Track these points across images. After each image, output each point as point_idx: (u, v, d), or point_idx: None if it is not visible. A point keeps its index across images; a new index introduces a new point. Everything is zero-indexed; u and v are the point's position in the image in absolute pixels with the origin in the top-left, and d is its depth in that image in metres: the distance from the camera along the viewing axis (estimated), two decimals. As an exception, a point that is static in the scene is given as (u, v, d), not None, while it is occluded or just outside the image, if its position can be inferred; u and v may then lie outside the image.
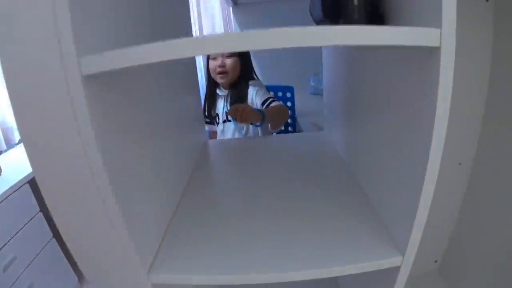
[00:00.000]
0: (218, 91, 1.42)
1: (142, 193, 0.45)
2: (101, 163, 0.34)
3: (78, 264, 0.44)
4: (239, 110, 1.08)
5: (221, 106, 1.41)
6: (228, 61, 1.32)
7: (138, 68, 0.31)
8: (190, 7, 2.25)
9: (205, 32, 2.34)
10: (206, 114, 1.44)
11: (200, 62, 2.20)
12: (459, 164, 0.88)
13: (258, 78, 1.48)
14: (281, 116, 1.32)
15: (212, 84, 1.43)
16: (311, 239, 0.49)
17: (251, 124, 1.31)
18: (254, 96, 1.35)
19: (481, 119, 0.84)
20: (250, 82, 1.40)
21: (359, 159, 0.66)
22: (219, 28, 2.30)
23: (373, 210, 0.55)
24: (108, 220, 0.38)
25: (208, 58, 1.40)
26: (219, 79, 1.36)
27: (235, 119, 1.16)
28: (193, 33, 2.27)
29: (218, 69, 1.33)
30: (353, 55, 0.64)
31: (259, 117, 1.14)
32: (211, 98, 1.44)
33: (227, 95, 1.39)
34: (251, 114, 1.11)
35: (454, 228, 0.95)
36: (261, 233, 0.51)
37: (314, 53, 1.05)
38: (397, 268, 0.45)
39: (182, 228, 0.55)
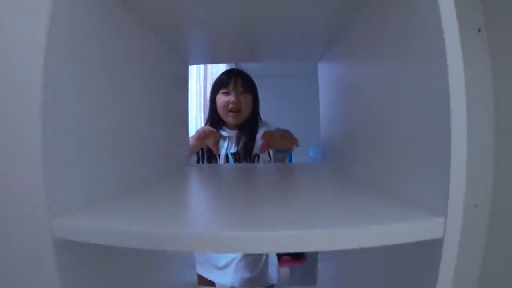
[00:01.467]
0: (222, 132, 1.25)
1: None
2: None
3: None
4: (276, 135, 0.96)
5: (224, 148, 1.25)
6: (243, 98, 1.19)
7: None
8: (197, 77, 2.36)
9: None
10: (204, 154, 1.24)
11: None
12: (475, 206, 0.83)
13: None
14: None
15: (215, 123, 1.25)
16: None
17: (279, 151, 1.09)
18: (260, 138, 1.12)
19: (492, 158, 0.83)
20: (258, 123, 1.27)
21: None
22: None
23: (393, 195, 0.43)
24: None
25: (215, 92, 1.25)
26: (230, 117, 1.20)
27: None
28: (197, 102, 2.37)
29: (231, 106, 1.18)
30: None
31: (294, 140, 1.00)
32: None
33: (236, 136, 1.24)
34: (288, 137, 0.98)
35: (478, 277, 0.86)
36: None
37: (314, 123, 1.04)
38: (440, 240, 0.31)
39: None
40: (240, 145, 1.21)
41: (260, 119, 1.33)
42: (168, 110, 0.75)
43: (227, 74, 1.25)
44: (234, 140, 1.24)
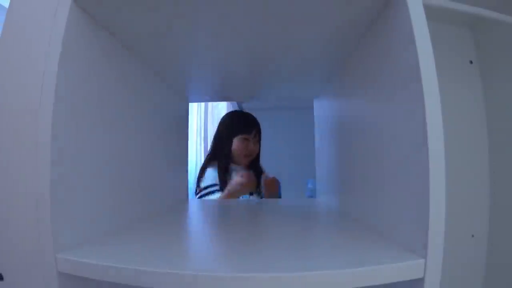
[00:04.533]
0: (237, 167, 1.42)
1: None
2: None
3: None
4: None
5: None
6: (256, 148, 1.44)
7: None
8: (197, 110, 2.42)
9: (209, 136, 2.47)
10: (218, 182, 1.38)
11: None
12: (472, 236, 0.84)
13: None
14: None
15: (225, 159, 1.42)
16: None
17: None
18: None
19: (488, 188, 0.84)
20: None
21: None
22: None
23: (380, 235, 0.46)
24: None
25: (233, 134, 1.41)
26: (245, 160, 1.42)
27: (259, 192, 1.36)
28: (198, 139, 2.41)
29: (249, 152, 1.40)
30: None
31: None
32: (227, 171, 1.41)
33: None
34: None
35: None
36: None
37: (313, 155, 1.09)
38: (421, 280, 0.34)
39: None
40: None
41: None
42: (168, 147, 0.78)
43: (247, 122, 1.46)
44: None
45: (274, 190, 1.37)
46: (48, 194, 0.34)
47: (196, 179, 1.44)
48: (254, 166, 1.47)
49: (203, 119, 2.47)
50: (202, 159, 2.46)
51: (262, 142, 1.54)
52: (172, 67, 0.65)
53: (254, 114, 2.51)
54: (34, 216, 0.35)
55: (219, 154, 1.43)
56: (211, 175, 1.38)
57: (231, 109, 2.48)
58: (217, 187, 1.34)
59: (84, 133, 0.41)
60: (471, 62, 0.90)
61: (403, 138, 0.38)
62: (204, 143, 2.47)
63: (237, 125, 1.44)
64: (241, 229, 0.53)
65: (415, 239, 0.35)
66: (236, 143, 1.40)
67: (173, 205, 0.79)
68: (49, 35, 0.36)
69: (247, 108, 2.43)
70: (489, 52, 0.87)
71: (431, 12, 0.64)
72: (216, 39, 0.52)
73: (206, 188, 1.33)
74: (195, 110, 2.45)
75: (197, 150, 2.47)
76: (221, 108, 2.47)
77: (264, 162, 2.30)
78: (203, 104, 2.50)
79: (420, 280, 0.32)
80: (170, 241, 0.45)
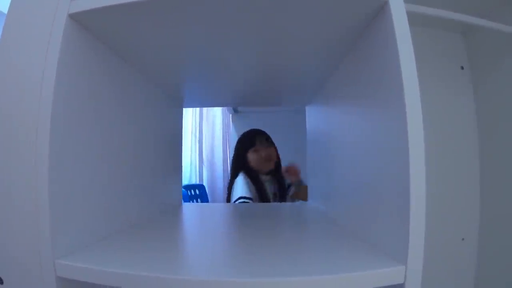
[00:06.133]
0: (263, 176, 1.57)
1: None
2: None
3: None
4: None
5: (270, 188, 1.58)
6: (271, 151, 1.58)
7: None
8: (193, 111, 2.42)
9: (204, 137, 2.47)
10: (249, 195, 1.51)
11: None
12: (463, 239, 0.86)
13: None
14: None
15: (252, 173, 1.56)
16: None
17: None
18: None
19: (478, 191, 0.86)
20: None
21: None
22: (219, 133, 2.44)
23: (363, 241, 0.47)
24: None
25: (244, 151, 1.58)
26: (266, 164, 1.55)
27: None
28: (193, 138, 2.42)
29: (265, 157, 1.54)
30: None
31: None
32: (259, 181, 1.56)
33: (271, 180, 1.59)
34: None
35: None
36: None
37: (305, 159, 1.13)
38: (402, 285, 0.35)
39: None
40: (276, 187, 1.60)
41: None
42: (163, 153, 0.78)
43: (250, 137, 1.62)
44: (271, 183, 1.60)
45: (296, 175, 1.57)
46: (47, 200, 0.35)
47: (227, 188, 1.63)
48: (277, 172, 1.61)
49: (198, 120, 2.47)
50: (196, 160, 2.47)
51: None
52: (168, 75, 0.65)
53: (248, 116, 2.53)
54: (33, 222, 0.36)
55: (241, 167, 1.59)
56: (240, 185, 1.53)
57: (225, 112, 2.48)
58: (248, 200, 1.46)
59: (81, 139, 0.42)
60: (462, 67, 0.91)
61: (385, 146, 0.40)
62: (198, 143, 2.48)
63: (244, 143, 1.62)
64: (235, 233, 0.54)
65: (396, 246, 0.36)
66: (250, 157, 1.57)
67: (168, 209, 0.80)
68: (46, 45, 0.37)
69: (242, 111, 2.43)
70: (480, 58, 0.88)
71: (423, 19, 0.65)
72: (212, 51, 0.53)
73: (239, 199, 1.48)
74: (190, 110, 2.45)
75: (192, 150, 2.47)
76: (216, 110, 2.48)
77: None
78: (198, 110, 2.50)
79: (401, 286, 0.34)
80: (166, 246, 0.45)
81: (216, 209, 0.87)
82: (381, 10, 0.38)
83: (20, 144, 0.37)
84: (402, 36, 0.36)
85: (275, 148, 1.63)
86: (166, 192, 0.81)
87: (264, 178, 1.58)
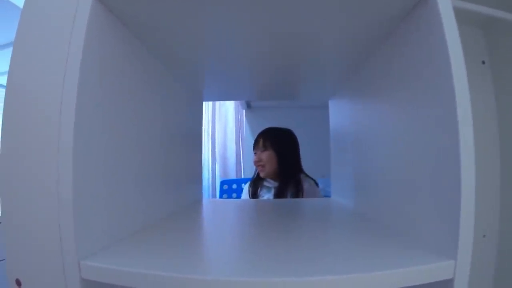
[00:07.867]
0: (265, 182, 1.45)
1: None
2: None
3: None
4: None
5: (265, 196, 1.44)
6: (263, 155, 1.41)
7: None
8: (205, 108, 2.41)
9: (217, 132, 2.47)
10: (250, 196, 1.49)
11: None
12: (484, 236, 0.83)
13: (306, 174, 1.49)
14: None
15: (256, 177, 1.50)
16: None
17: None
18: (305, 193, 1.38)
19: (499, 188, 0.83)
20: (301, 175, 1.43)
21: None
22: (231, 130, 2.43)
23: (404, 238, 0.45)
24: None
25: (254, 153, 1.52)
26: (261, 170, 1.44)
27: None
28: (205, 134, 2.41)
29: (256, 162, 1.44)
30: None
31: None
32: (255, 185, 1.48)
33: (275, 187, 1.42)
34: None
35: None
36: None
37: (322, 154, 1.09)
38: (451, 280, 0.33)
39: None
40: (275, 194, 1.40)
41: (302, 170, 1.49)
42: (185, 148, 0.77)
43: (256, 137, 1.51)
44: (269, 190, 1.44)
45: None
46: (71, 199, 0.33)
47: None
48: (285, 175, 1.42)
49: (211, 116, 2.47)
50: (210, 156, 2.47)
51: None
52: (188, 64, 0.63)
53: (262, 112, 2.52)
54: (56, 222, 0.34)
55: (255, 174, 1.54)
56: (244, 189, 1.52)
57: (238, 107, 2.47)
58: None
59: (106, 134, 0.40)
60: (483, 62, 0.88)
61: (430, 140, 0.37)
62: (211, 140, 2.48)
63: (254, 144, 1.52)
64: (255, 230, 0.52)
65: (443, 241, 0.35)
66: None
67: (190, 205, 0.79)
68: (70, 32, 0.35)
69: (255, 106, 2.42)
70: (501, 53, 0.85)
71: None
72: (235, 43, 0.51)
73: None
74: (203, 107, 2.45)
75: (204, 147, 2.47)
76: (229, 105, 2.47)
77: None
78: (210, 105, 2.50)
79: (450, 281, 0.32)
80: (189, 245, 0.44)
81: (237, 204, 0.86)
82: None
83: (42, 138, 0.34)
84: (449, 22, 0.34)
85: (276, 152, 1.43)
86: (188, 188, 0.81)
87: (267, 183, 1.44)
